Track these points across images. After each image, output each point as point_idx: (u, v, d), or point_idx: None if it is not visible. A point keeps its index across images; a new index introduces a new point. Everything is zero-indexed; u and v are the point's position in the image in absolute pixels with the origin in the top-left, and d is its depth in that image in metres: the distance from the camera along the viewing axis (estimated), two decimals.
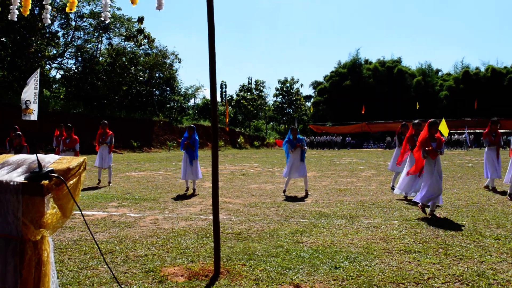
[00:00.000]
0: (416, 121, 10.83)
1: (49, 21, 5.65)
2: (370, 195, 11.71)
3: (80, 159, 2.92)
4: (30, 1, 5.50)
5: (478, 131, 53.84)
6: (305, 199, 11.11)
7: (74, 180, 2.80)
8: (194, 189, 12.55)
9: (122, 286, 4.67)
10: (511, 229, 7.43)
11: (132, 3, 5.14)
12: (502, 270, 5.25)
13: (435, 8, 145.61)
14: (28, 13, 5.55)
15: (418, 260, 5.67)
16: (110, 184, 14.17)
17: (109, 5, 5.29)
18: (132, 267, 5.44)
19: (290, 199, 11.23)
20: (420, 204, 8.78)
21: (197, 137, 12.67)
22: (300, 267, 5.39)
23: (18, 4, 5.47)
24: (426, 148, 8.73)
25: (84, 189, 13.01)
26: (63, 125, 13.45)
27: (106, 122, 14.10)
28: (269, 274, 5.12)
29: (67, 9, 5.54)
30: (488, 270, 5.27)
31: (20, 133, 12.03)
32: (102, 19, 5.34)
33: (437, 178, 8.69)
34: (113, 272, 4.12)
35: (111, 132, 13.89)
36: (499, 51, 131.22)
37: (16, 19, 5.53)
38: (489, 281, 4.86)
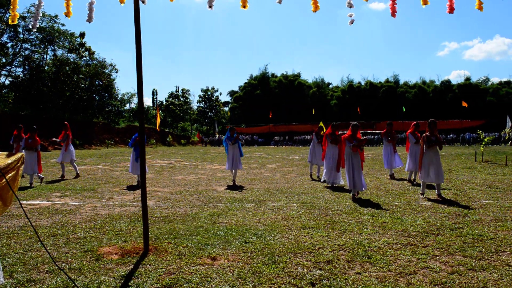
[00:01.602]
0: (334, 123, 11.39)
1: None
2: (275, 183, 11.89)
3: (18, 155, 2.74)
4: None
5: (361, 131, 55.96)
6: (224, 188, 11.11)
7: (12, 173, 2.63)
8: (234, 180, 12.10)
9: (61, 265, 4.44)
10: (382, 207, 7.82)
11: (66, 15, 4.96)
12: (375, 240, 5.51)
13: (326, 34, 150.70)
14: None
15: (311, 234, 5.82)
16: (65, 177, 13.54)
17: (39, 16, 5.04)
18: (72, 248, 5.20)
19: (210, 188, 11.18)
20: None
21: (235, 135, 12.24)
22: (217, 243, 5.38)
23: None
24: (351, 144, 8.99)
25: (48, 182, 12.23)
26: (22, 126, 12.79)
27: (22, 126, 13.24)
28: (191, 250, 5.06)
29: (9, 21, 5.23)
30: (365, 240, 5.50)
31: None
32: (31, 27, 5.10)
33: (353, 169, 9.06)
34: (50, 253, 3.91)
35: (39, 140, 13.02)
36: (375, 69, 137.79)
37: None
38: (365, 248, 5.08)
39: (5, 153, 2.75)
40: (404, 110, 60.28)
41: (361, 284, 3.95)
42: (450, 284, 3.95)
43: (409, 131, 11.38)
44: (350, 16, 5.54)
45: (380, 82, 71.73)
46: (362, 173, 9.09)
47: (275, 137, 61.83)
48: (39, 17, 5.01)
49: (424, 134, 9.15)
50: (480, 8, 4.87)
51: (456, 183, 11.42)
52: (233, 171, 12.11)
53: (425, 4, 5.03)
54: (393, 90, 68.75)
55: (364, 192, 9.72)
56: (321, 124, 15.68)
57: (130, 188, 11.14)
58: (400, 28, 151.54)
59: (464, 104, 50.13)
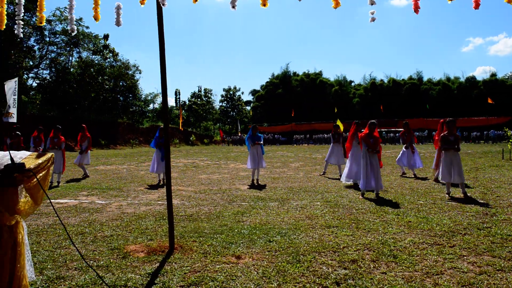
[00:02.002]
0: (357, 121, 10.98)
1: (21, 35, 5.40)
2: (298, 182, 11.86)
3: (48, 155, 2.80)
4: (5, 17, 5.23)
5: (383, 130, 55.54)
6: (247, 187, 11.12)
7: (43, 173, 2.68)
8: (257, 179, 12.00)
9: (90, 262, 4.53)
10: (408, 206, 7.72)
11: (95, 19, 5.03)
12: (401, 239, 5.44)
13: (348, 31, 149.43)
14: (4, 27, 5.27)
15: (336, 233, 5.78)
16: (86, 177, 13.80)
17: (74, 20, 5.13)
18: (99, 246, 5.28)
19: (233, 186, 11.22)
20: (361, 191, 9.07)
21: (259, 134, 12.22)
22: (241, 241, 5.39)
23: None
24: (367, 147, 8.93)
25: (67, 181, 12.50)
26: (42, 128, 13.14)
27: (42, 128, 13.53)
28: (215, 248, 5.09)
29: (37, 23, 5.34)
30: (390, 239, 5.44)
31: (19, 133, 12.33)
32: (69, 31, 5.19)
33: (371, 168, 8.93)
34: (80, 251, 3.98)
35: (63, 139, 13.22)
36: (398, 66, 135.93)
37: None
38: (390, 248, 5.02)
39: (35, 153, 2.81)
40: (428, 107, 59.40)
41: (386, 284, 3.90)
42: (478, 285, 3.87)
43: (350, 132, 10.73)
44: (372, 14, 5.47)
45: (403, 79, 70.83)
46: (380, 172, 9.00)
47: (294, 136, 61.57)
48: (74, 21, 5.09)
49: (442, 134, 8.99)
50: (509, 1, 4.73)
51: (483, 181, 11.18)
52: (256, 170, 11.97)
53: (451, 0, 4.93)
54: (417, 87, 67.81)
55: (388, 191, 9.61)
56: (338, 122, 15.60)
57: (154, 187, 11.27)
58: (423, 24, 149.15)
59: (490, 101, 49.06)
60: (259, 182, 11.79)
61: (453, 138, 8.73)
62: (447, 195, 8.81)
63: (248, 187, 10.97)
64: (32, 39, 45.64)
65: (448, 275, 4.13)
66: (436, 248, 5.00)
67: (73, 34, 5.34)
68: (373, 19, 5.42)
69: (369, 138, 9.01)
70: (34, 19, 42.09)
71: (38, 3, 5.19)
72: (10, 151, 2.60)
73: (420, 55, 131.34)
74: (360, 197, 8.86)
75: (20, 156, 2.72)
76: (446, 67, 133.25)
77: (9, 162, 2.51)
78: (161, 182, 12.05)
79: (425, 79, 70.64)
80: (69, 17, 5.07)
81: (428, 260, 4.56)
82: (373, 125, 9.11)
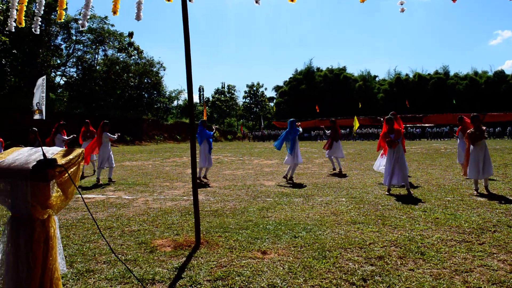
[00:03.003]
0: (391, 117, 9.53)
1: (38, 31, 5.54)
2: (322, 178, 11.80)
3: (79, 150, 2.84)
4: (23, 15, 5.36)
5: (408, 125, 54.77)
6: (271, 182, 11.12)
7: (74, 168, 2.73)
8: (287, 176, 11.43)
9: (118, 256, 4.60)
10: (435, 203, 7.59)
11: (113, 13, 5.08)
12: (428, 236, 5.35)
13: (371, 26, 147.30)
14: (24, 25, 5.40)
15: (361, 230, 5.73)
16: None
17: (88, 15, 5.22)
18: (127, 240, 5.37)
19: (258, 182, 11.23)
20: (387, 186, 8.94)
21: (298, 129, 11.52)
22: (267, 237, 5.39)
23: (15, 17, 5.36)
24: (387, 140, 8.82)
25: (86, 176, 12.75)
26: (88, 121, 13.91)
27: (88, 121, 13.70)
28: (241, 243, 5.10)
29: (57, 19, 5.46)
30: (417, 236, 5.36)
31: (35, 129, 12.31)
32: (80, 26, 5.31)
33: (394, 164, 8.79)
34: (110, 245, 4.04)
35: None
36: (424, 61, 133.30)
37: (13, 30, 5.41)
38: (418, 245, 4.95)
39: (66, 149, 2.86)
40: (454, 102, 58.20)
41: (414, 281, 3.85)
42: (509, 283, 3.78)
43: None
44: (401, 4, 5.39)
45: (429, 74, 69.56)
46: (406, 168, 8.83)
47: (313, 131, 61.10)
48: (88, 17, 5.18)
49: (468, 130, 8.80)
50: None
51: None
52: (293, 166, 11.32)
53: None
54: (443, 82, 66.52)
55: (415, 187, 9.48)
56: (355, 121, 15.38)
57: (180, 181, 11.36)
58: (449, 17, 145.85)
59: None
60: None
61: (479, 132, 8.55)
62: (475, 192, 8.62)
63: (273, 182, 10.96)
64: (60, 37, 46.68)
65: (478, 272, 4.05)
66: (464, 245, 4.91)
67: (83, 29, 5.46)
68: (402, 10, 5.34)
69: (389, 134, 8.88)
70: (55, 15, 43.06)
71: (58, 0, 5.30)
72: (43, 147, 2.66)
73: (446, 49, 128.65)
74: (386, 193, 8.76)
75: (52, 152, 2.78)
76: (474, 61, 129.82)
77: (42, 157, 2.56)
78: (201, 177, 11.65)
79: (451, 73, 69.27)
80: (82, 12, 5.16)
81: (456, 258, 4.47)
82: (390, 120, 8.98)
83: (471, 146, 8.67)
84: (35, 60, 40.51)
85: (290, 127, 11.47)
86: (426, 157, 18.95)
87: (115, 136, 11.88)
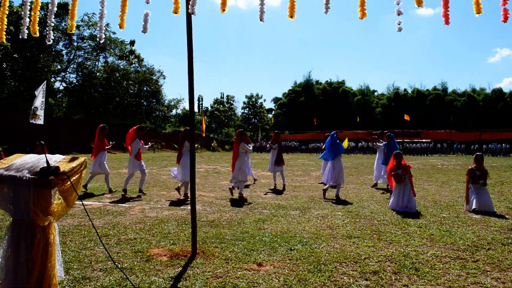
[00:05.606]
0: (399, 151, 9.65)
1: (51, 41, 5.62)
2: (319, 191, 11.81)
3: (81, 159, 2.89)
4: (37, 24, 5.44)
5: (406, 140, 55.03)
6: (268, 194, 11.16)
7: (76, 176, 2.78)
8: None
9: (116, 263, 4.62)
10: (430, 219, 7.63)
11: (120, 27, 5.17)
12: (423, 252, 5.39)
13: (371, 40, 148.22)
14: (38, 35, 5.48)
15: (357, 244, 5.77)
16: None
17: (104, 29, 5.31)
18: (123, 248, 5.39)
19: (254, 194, 11.25)
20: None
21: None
22: (262, 249, 5.42)
23: (27, 25, 5.43)
24: (393, 173, 8.82)
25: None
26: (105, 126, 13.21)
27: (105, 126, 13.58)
28: (237, 255, 5.13)
29: (68, 30, 5.53)
30: (412, 251, 5.40)
31: (43, 142, 11.18)
32: (98, 39, 5.37)
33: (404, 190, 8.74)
34: (108, 252, 4.07)
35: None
36: (422, 76, 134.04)
37: (26, 37, 5.47)
38: (413, 260, 4.99)
39: (69, 157, 2.91)
40: (452, 119, 58.47)
41: None
42: None
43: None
44: (399, 24, 5.48)
45: (427, 90, 69.97)
46: (412, 194, 8.79)
47: (309, 144, 61.14)
48: (104, 29, 5.26)
49: (469, 167, 8.88)
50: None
51: (508, 195, 10.97)
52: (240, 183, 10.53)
53: (478, 13, 4.89)
54: (441, 98, 66.90)
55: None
56: (345, 141, 15.25)
57: (172, 190, 11.34)
58: (448, 33, 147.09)
59: None
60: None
61: (479, 172, 8.64)
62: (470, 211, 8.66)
63: (270, 194, 10.98)
64: (61, 43, 46.86)
65: None
66: (459, 262, 4.95)
67: (101, 41, 5.52)
68: (400, 29, 5.42)
69: (397, 169, 8.89)
70: (63, 24, 43.28)
71: (70, 12, 5.38)
72: (46, 155, 2.71)
73: (445, 65, 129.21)
74: (382, 208, 8.78)
75: (55, 159, 2.83)
76: (472, 78, 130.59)
77: (45, 165, 2.61)
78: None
79: (450, 90, 69.74)
80: (98, 25, 5.24)
81: (450, 274, 4.51)
82: (399, 154, 9.01)
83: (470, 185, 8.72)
84: (35, 65, 40.64)
85: (332, 139, 10.87)
86: (422, 173, 19.02)
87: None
